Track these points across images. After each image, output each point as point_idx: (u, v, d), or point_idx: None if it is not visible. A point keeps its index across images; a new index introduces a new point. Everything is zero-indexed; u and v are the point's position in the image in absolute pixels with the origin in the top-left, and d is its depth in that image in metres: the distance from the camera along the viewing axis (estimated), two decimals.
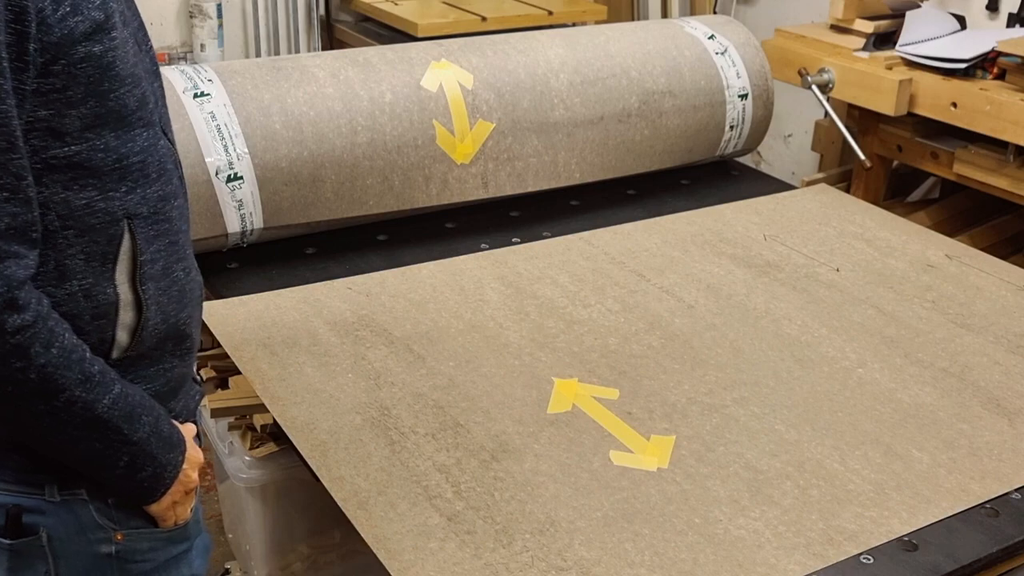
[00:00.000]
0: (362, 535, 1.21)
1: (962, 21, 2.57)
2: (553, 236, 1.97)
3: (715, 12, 3.49)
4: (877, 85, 2.31)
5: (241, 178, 1.72)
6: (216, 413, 1.68)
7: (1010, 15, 2.69)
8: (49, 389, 1.00)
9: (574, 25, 3.11)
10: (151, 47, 1.13)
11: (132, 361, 1.10)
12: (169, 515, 1.15)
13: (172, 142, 1.14)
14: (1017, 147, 2.17)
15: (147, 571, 1.17)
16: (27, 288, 0.97)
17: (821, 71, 2.42)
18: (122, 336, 1.08)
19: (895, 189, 2.77)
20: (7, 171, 0.94)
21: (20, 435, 1.06)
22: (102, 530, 1.12)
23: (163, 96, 1.15)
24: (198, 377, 1.26)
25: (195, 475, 1.16)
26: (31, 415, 1.02)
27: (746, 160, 2.53)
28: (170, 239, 1.11)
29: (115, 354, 1.08)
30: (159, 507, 1.14)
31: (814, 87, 2.40)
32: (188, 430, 1.17)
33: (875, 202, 2.39)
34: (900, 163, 2.59)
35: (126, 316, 1.08)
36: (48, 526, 1.11)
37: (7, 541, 1.10)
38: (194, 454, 1.16)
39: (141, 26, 1.12)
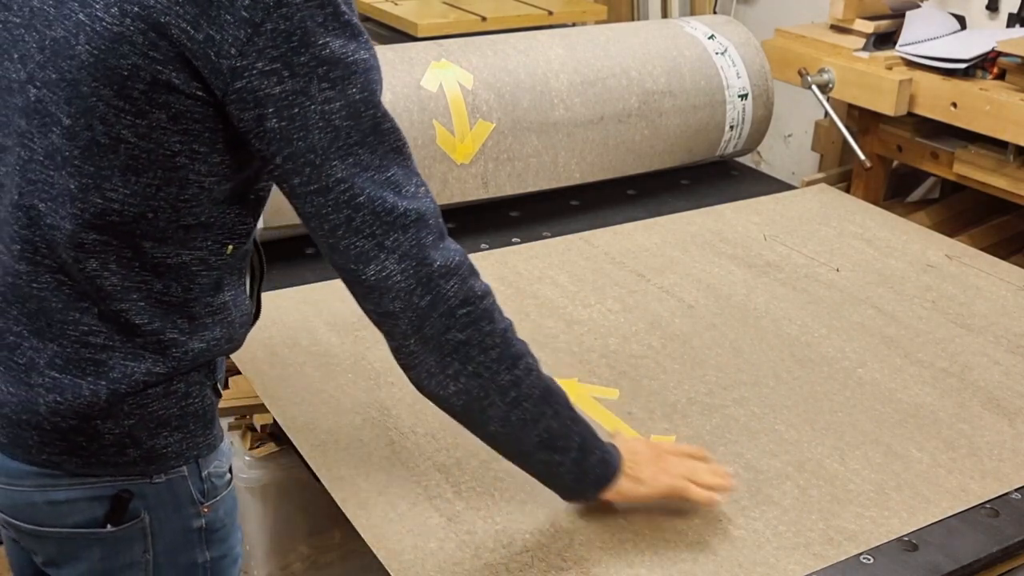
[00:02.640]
0: (362, 535, 1.21)
1: (962, 21, 2.57)
2: (553, 236, 1.97)
3: (715, 12, 3.49)
4: (877, 85, 2.31)
5: None
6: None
7: (1010, 15, 2.69)
8: (511, 355, 1.07)
9: (574, 25, 3.11)
10: None
11: None
12: (658, 487, 1.21)
13: None
14: (1017, 147, 2.17)
15: (223, 538, 1.19)
16: None
17: (821, 71, 2.42)
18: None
19: (895, 189, 2.77)
20: (415, 169, 1.03)
21: (485, 421, 1.10)
22: (194, 505, 1.14)
23: None
24: None
25: (655, 449, 1.24)
26: (498, 388, 1.07)
27: (746, 160, 2.53)
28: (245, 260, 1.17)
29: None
30: (644, 487, 1.20)
31: (814, 87, 2.40)
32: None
33: (875, 202, 2.39)
34: (900, 163, 2.59)
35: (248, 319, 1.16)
36: (149, 508, 1.11)
37: (108, 529, 1.10)
38: (637, 442, 1.26)
39: None
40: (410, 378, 1.08)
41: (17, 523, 1.11)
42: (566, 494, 1.20)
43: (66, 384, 1.03)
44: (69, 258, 1.00)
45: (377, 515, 1.23)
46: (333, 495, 1.26)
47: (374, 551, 1.18)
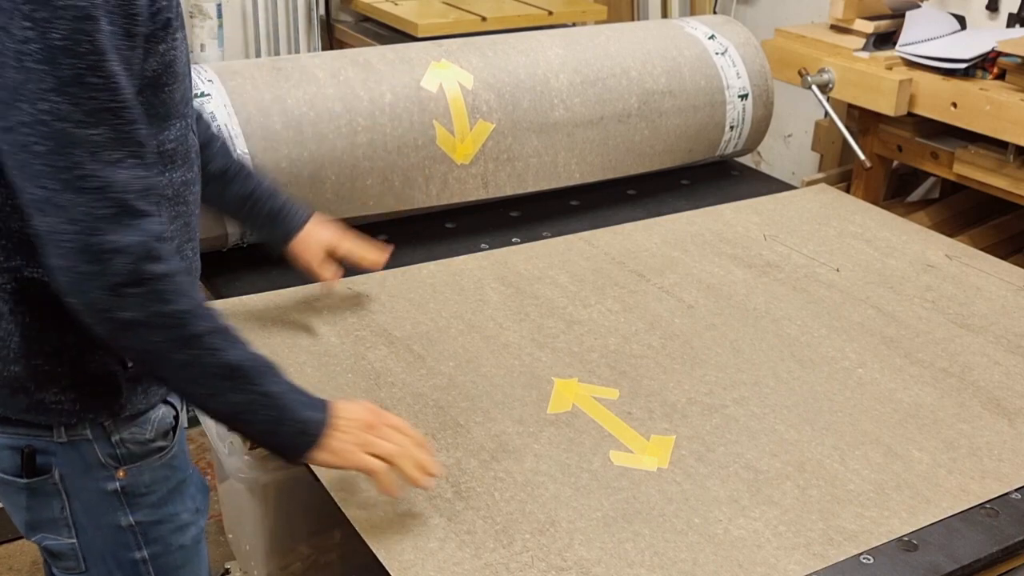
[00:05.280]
0: (362, 535, 1.21)
1: (962, 21, 2.57)
2: (553, 236, 1.97)
3: (715, 12, 3.49)
4: (877, 85, 2.31)
5: None
6: None
7: (1010, 15, 2.69)
8: (186, 336, 1.07)
9: (574, 25, 3.11)
10: (187, 47, 1.23)
11: None
12: (349, 460, 1.18)
13: (196, 135, 1.25)
14: (1017, 147, 2.17)
15: (153, 504, 1.24)
16: (165, 243, 1.06)
17: (821, 71, 2.42)
18: None
19: (895, 189, 2.77)
20: (133, 140, 1.02)
21: (166, 387, 1.16)
22: (105, 469, 1.20)
23: (191, 93, 1.25)
24: None
25: (370, 419, 1.20)
26: (172, 365, 1.09)
27: (746, 160, 2.53)
28: (185, 220, 1.22)
29: None
30: (336, 458, 1.17)
31: (814, 87, 2.40)
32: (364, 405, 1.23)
33: (875, 202, 2.39)
34: (900, 163, 2.59)
35: None
36: (59, 465, 1.19)
37: (24, 480, 1.19)
38: (359, 408, 1.21)
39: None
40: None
41: None
42: (274, 454, 1.20)
43: None
44: None
45: (377, 515, 1.23)
46: (333, 495, 1.26)
47: (374, 551, 1.18)
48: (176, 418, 1.29)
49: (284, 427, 1.15)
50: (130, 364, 1.20)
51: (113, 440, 1.20)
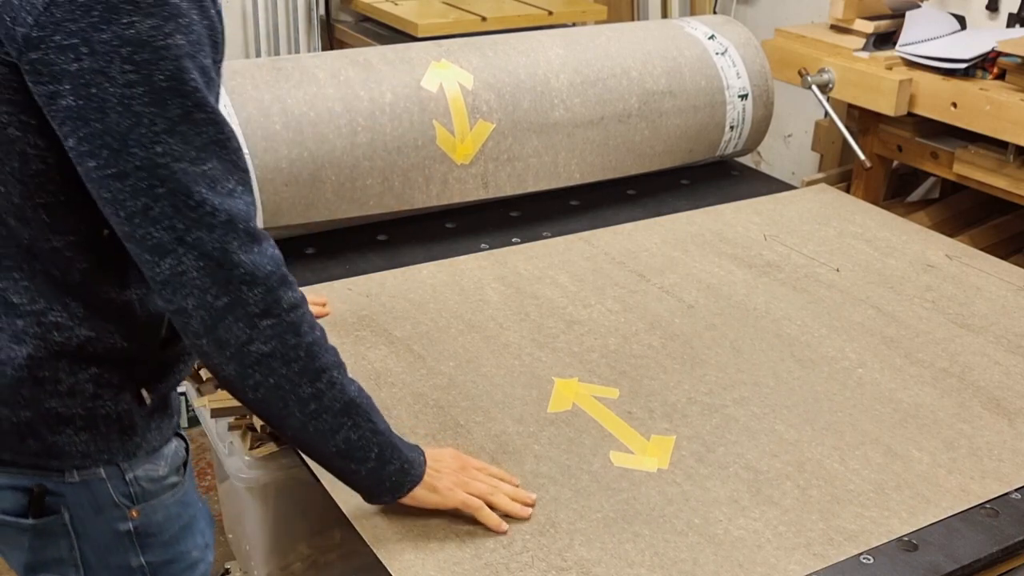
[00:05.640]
0: (362, 535, 1.21)
1: (962, 21, 2.57)
2: (553, 236, 1.97)
3: (715, 12, 3.49)
4: (877, 85, 2.31)
5: None
6: (216, 413, 1.68)
7: (1010, 15, 2.69)
8: (314, 368, 1.07)
9: (574, 25, 3.11)
10: None
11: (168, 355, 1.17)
12: (452, 498, 1.21)
13: None
14: (1017, 147, 2.17)
15: (164, 543, 1.20)
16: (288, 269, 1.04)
17: (821, 71, 2.42)
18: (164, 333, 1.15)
19: (895, 189, 2.77)
20: (240, 167, 1.01)
21: (282, 428, 1.10)
22: (118, 508, 1.15)
23: None
24: None
25: (460, 462, 1.25)
26: (298, 400, 1.07)
27: (746, 160, 2.53)
28: None
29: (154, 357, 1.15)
30: (437, 496, 1.20)
31: (814, 87, 2.40)
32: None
33: (875, 202, 2.39)
34: (900, 163, 2.59)
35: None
36: (69, 506, 1.13)
37: (30, 521, 1.12)
38: (448, 453, 1.26)
39: None
40: (209, 370, 1.07)
41: None
42: (364, 496, 1.20)
43: None
44: None
45: (377, 515, 1.23)
46: (333, 495, 1.26)
47: (374, 551, 1.18)
48: (187, 451, 1.25)
49: (390, 466, 1.16)
50: (148, 400, 1.15)
51: (127, 478, 1.15)
